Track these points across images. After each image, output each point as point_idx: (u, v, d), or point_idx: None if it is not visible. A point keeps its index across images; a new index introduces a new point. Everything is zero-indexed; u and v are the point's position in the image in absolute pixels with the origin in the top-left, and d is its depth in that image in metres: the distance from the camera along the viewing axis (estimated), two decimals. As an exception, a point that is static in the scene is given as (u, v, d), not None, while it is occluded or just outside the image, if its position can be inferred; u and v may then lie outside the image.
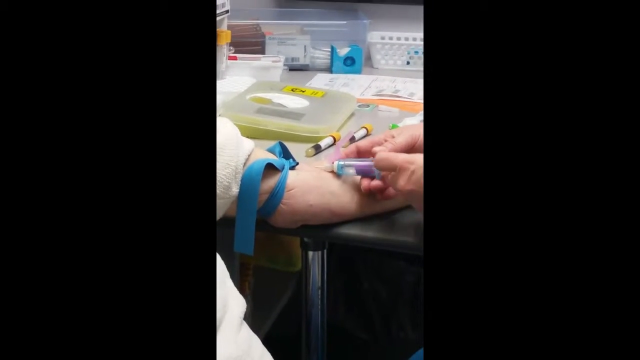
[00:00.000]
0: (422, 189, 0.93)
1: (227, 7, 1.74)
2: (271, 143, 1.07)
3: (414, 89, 1.75)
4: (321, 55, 1.93)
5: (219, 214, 0.99)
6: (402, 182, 0.94)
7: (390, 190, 1.01)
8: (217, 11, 1.69)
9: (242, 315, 0.85)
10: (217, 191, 0.97)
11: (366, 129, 1.35)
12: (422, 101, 1.62)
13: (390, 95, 1.69)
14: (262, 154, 1.02)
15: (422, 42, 1.93)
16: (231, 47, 1.78)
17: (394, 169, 0.95)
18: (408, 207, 1.06)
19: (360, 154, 1.03)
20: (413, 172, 0.93)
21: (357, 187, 1.02)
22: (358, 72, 1.88)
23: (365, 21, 1.96)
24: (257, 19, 1.96)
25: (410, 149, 1.01)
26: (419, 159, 0.94)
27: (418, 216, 1.04)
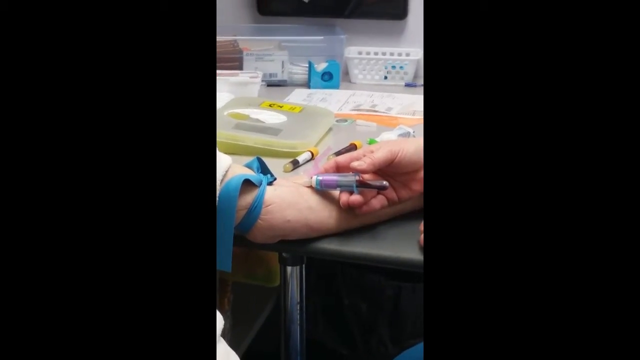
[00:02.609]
0: None
1: None
2: (249, 158, 1.06)
3: (391, 103, 1.75)
4: (299, 71, 1.93)
5: None
6: (416, 185, 0.99)
7: (371, 205, 1.01)
8: None
9: (219, 332, 0.84)
10: None
11: (355, 145, 1.35)
12: (399, 116, 1.65)
13: (368, 110, 1.70)
14: (239, 169, 1.02)
15: (399, 57, 1.96)
16: None
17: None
18: (386, 222, 1.06)
19: (339, 169, 1.03)
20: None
21: (335, 202, 1.02)
22: (336, 87, 1.89)
23: (342, 36, 1.96)
24: (235, 35, 1.97)
25: (389, 165, 1.01)
26: None
27: (397, 231, 1.04)
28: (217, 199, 0.97)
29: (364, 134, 1.49)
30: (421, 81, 1.93)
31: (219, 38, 1.89)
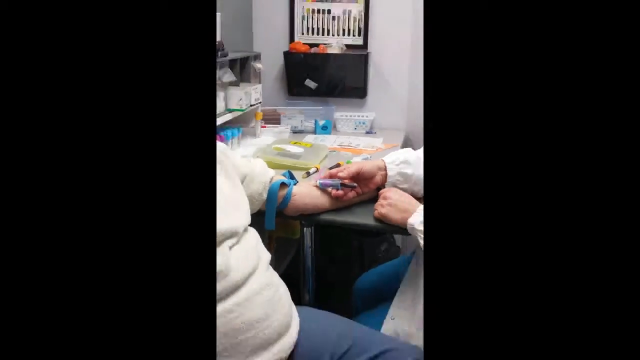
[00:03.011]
0: (388, 215, 0.93)
1: (260, 100, 1.74)
2: (283, 170, 1.06)
3: (359, 142, 1.73)
4: (310, 125, 1.91)
5: (256, 209, 0.98)
6: (381, 209, 0.96)
7: (347, 195, 1.01)
8: (254, 102, 1.68)
9: (268, 262, 0.85)
10: (256, 196, 0.96)
11: (339, 164, 1.34)
12: (363, 149, 1.62)
13: (346, 146, 1.68)
14: (278, 177, 1.01)
15: (362, 117, 1.93)
16: (262, 121, 1.77)
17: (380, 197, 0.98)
18: (356, 204, 1.05)
19: (331, 176, 1.02)
20: (386, 205, 0.95)
21: (329, 194, 1.01)
22: (329, 133, 1.87)
23: (332, 107, 1.95)
24: (276, 106, 1.95)
25: (357, 174, 1.01)
26: (389, 197, 0.95)
27: (361, 209, 1.03)
28: (267, 192, 0.97)
29: (344, 158, 1.48)
30: (374, 130, 1.92)
31: (267, 108, 1.88)
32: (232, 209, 0.82)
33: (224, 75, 1.53)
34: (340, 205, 1.03)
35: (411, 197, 0.95)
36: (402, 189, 1.00)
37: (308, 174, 1.29)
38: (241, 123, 1.69)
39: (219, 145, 0.88)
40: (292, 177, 1.04)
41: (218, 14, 1.48)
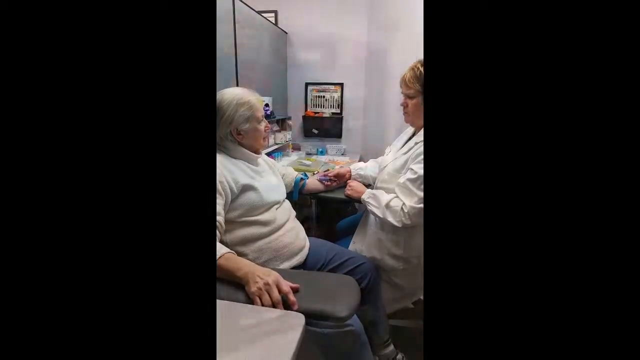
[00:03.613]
0: (352, 194, 0.85)
1: (290, 138, 1.73)
2: (302, 172, 1.04)
3: (338, 159, 1.69)
4: (314, 150, 1.87)
5: (289, 190, 0.95)
6: (348, 191, 0.93)
7: (332, 185, 0.96)
8: (288, 140, 1.67)
9: (294, 215, 0.83)
10: (288, 184, 0.94)
11: (328, 169, 1.29)
12: (340, 162, 1.58)
13: (332, 160, 1.64)
14: (299, 175, 1.00)
15: (340, 147, 1.87)
16: (291, 149, 1.75)
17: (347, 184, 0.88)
18: (336, 189, 1.02)
19: (325, 175, 1.01)
20: (350, 189, 0.88)
21: (323, 183, 1.00)
22: (324, 155, 1.83)
23: (325, 142, 1.90)
24: (298, 142, 1.93)
25: (337, 174, 0.99)
26: (351, 185, 0.86)
27: (339, 191, 1.00)
28: (294, 181, 0.94)
29: (330, 166, 1.44)
30: (345, 153, 1.86)
31: (294, 142, 1.85)
32: (276, 190, 0.81)
33: (274, 127, 1.55)
34: (328, 189, 1.03)
35: (362, 185, 0.96)
36: (358, 181, 1.00)
37: (313, 174, 1.25)
38: (281, 150, 1.70)
39: (271, 160, 0.87)
40: (306, 175, 1.04)
41: (270, 98, 1.49)
